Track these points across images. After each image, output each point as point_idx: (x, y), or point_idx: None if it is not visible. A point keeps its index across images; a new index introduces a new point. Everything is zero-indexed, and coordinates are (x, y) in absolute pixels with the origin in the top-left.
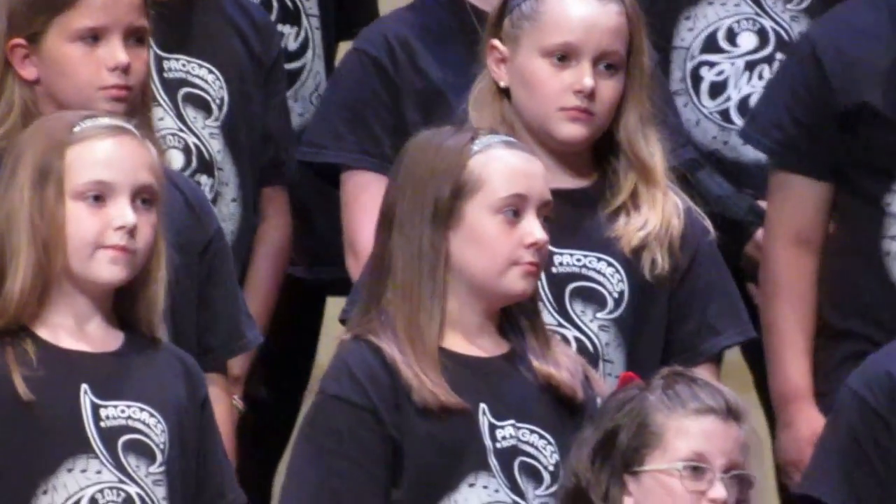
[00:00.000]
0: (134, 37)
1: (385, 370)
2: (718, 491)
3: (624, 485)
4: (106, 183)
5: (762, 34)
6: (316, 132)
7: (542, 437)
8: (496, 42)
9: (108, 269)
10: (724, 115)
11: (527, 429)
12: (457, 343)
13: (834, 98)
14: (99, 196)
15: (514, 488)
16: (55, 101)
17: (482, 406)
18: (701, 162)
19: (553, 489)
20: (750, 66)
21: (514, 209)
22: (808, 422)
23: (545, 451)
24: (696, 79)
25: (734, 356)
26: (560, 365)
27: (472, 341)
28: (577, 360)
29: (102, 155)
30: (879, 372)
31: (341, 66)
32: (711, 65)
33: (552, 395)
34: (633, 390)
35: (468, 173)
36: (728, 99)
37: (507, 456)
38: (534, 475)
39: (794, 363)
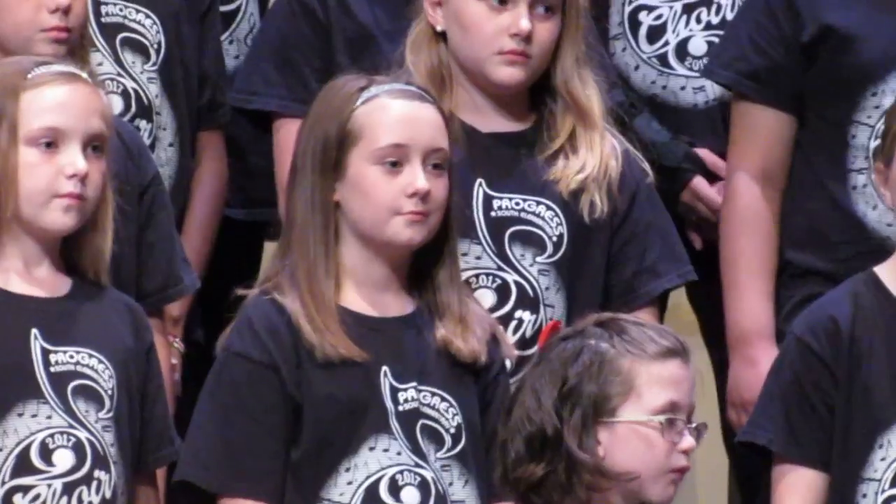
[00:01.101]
0: None
1: (288, 328)
2: (689, 441)
3: (594, 432)
4: (58, 129)
5: None
6: (247, 78)
7: (443, 399)
8: None
9: (59, 218)
10: (663, 59)
11: (428, 391)
12: (359, 302)
13: (800, 25)
14: (51, 142)
15: (416, 451)
16: None
17: (384, 368)
18: (638, 107)
19: (454, 451)
20: (688, 10)
21: (393, 159)
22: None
23: (447, 413)
24: (634, 23)
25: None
26: (467, 328)
27: (375, 299)
28: (486, 319)
29: (56, 101)
30: (823, 317)
31: (272, 12)
32: (650, 9)
33: (452, 357)
34: (578, 340)
35: (351, 123)
36: (666, 43)
37: (409, 419)
38: (435, 438)
39: (757, 300)
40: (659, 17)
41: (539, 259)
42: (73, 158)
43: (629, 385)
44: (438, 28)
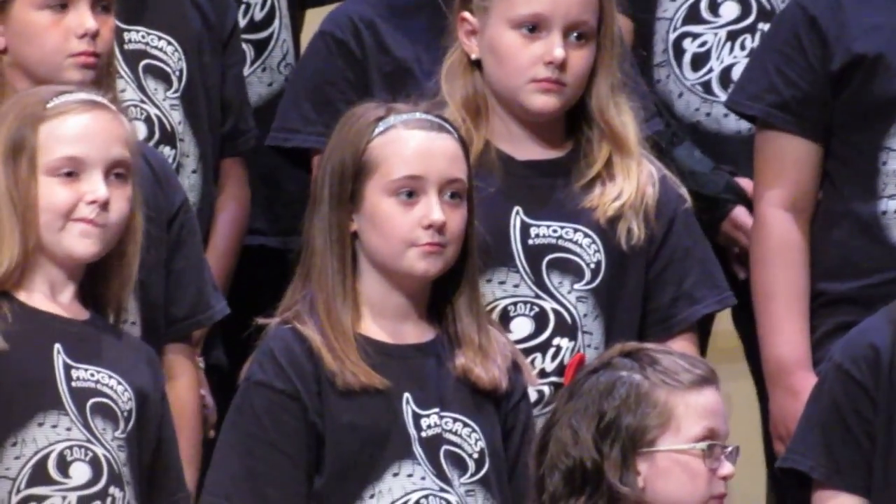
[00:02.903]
0: (101, 4)
1: (309, 357)
2: (728, 468)
3: (634, 464)
4: (78, 158)
5: (744, 3)
6: (285, 117)
7: (466, 424)
8: (466, 14)
9: (79, 243)
10: (706, 86)
11: (450, 417)
12: (378, 331)
13: (829, 54)
14: (72, 171)
15: (441, 476)
16: (24, 71)
17: (406, 395)
18: (680, 135)
19: (478, 476)
20: (732, 37)
21: (409, 190)
22: None
23: (469, 438)
24: (679, 50)
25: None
26: (487, 357)
27: (394, 328)
28: (507, 346)
29: (75, 130)
30: (863, 344)
31: (308, 50)
32: (694, 36)
33: (473, 385)
34: (609, 372)
35: (367, 154)
36: (710, 70)
37: (433, 444)
38: (459, 463)
39: (794, 331)
40: (703, 44)
41: (577, 286)
42: (95, 185)
43: (667, 416)
44: (473, 57)
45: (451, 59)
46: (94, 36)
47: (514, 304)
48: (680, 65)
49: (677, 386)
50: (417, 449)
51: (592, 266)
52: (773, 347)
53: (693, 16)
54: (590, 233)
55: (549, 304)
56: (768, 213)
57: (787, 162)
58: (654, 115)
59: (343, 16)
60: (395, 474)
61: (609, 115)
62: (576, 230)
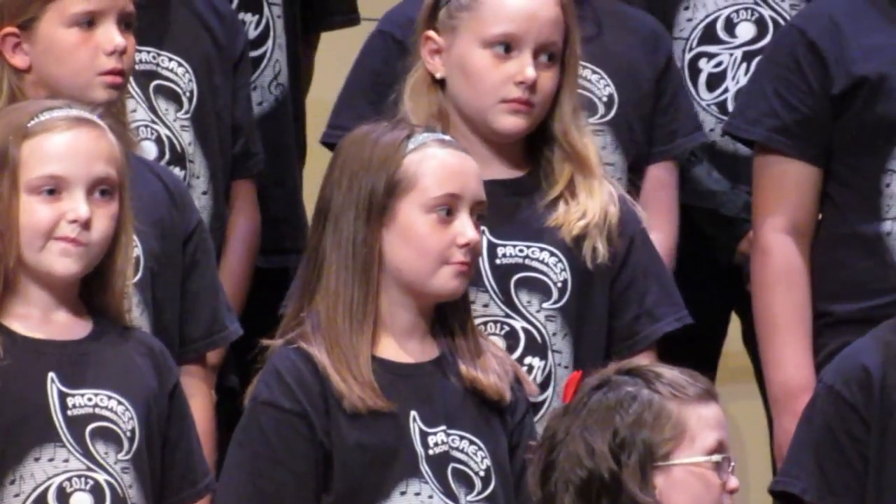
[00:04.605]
0: (125, 22)
1: (315, 376)
2: (735, 482)
3: (650, 478)
4: (60, 177)
5: (761, 24)
6: (341, 115)
7: (472, 442)
8: (431, 33)
9: (60, 262)
10: (721, 106)
11: (457, 435)
12: (386, 348)
13: (829, 78)
14: (53, 189)
15: (448, 494)
16: (49, 88)
17: (413, 413)
18: (698, 155)
19: (485, 494)
20: (748, 57)
21: (447, 208)
22: None
23: (476, 456)
24: (694, 70)
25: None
26: (487, 367)
27: (402, 345)
28: (506, 360)
29: (57, 149)
30: (854, 365)
31: (365, 48)
32: (710, 56)
33: (479, 398)
34: (616, 389)
35: (402, 171)
36: (725, 91)
37: (440, 462)
38: (465, 481)
39: (799, 354)
40: (719, 64)
41: (545, 305)
42: (76, 204)
43: (681, 428)
44: (438, 75)
45: (413, 77)
46: (122, 53)
47: (485, 323)
48: (695, 84)
49: (686, 398)
50: (425, 467)
51: (559, 285)
52: (777, 372)
53: (709, 36)
54: (556, 252)
55: (518, 324)
56: (769, 238)
57: (788, 186)
58: (696, 129)
59: (403, 16)
60: (403, 493)
61: (572, 137)
62: (542, 249)
